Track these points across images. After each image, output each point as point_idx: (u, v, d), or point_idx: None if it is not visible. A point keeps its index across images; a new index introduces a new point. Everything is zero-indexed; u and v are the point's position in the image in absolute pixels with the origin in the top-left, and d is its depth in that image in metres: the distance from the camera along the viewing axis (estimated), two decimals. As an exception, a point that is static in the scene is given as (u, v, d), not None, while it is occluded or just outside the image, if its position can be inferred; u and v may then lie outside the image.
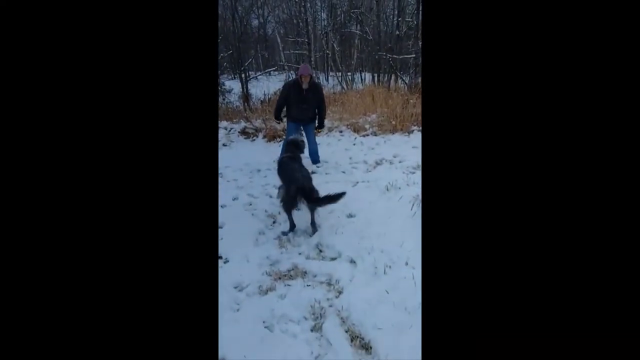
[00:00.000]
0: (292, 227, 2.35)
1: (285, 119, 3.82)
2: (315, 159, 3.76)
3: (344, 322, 1.54)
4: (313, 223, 2.33)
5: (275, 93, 8.14)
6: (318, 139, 4.75)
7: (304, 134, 3.51)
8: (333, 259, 2.05)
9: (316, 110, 3.62)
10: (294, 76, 12.40)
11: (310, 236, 2.28)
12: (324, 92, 3.84)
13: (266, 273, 1.94)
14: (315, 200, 2.24)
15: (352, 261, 1.98)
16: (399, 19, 8.30)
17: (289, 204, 2.29)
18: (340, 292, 1.73)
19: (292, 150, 2.81)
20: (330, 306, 1.64)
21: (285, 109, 3.67)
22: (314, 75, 3.91)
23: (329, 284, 1.82)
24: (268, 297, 1.74)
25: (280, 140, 4.53)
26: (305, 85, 3.44)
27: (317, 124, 3.72)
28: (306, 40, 9.37)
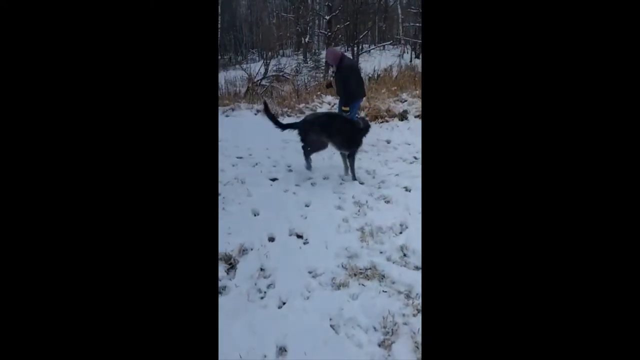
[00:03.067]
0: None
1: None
2: None
3: (417, 348, 1.35)
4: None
5: (385, 69, 7.70)
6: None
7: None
8: (418, 268, 1.82)
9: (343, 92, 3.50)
10: (409, 51, 11.55)
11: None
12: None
13: (342, 266, 1.85)
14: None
15: (440, 277, 1.72)
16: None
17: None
18: (419, 310, 1.52)
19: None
20: (405, 324, 1.46)
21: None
22: (344, 54, 3.74)
23: (408, 297, 1.62)
24: (339, 294, 1.65)
25: (382, 122, 4.27)
26: (332, 69, 3.55)
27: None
28: (430, 11, 8.45)
